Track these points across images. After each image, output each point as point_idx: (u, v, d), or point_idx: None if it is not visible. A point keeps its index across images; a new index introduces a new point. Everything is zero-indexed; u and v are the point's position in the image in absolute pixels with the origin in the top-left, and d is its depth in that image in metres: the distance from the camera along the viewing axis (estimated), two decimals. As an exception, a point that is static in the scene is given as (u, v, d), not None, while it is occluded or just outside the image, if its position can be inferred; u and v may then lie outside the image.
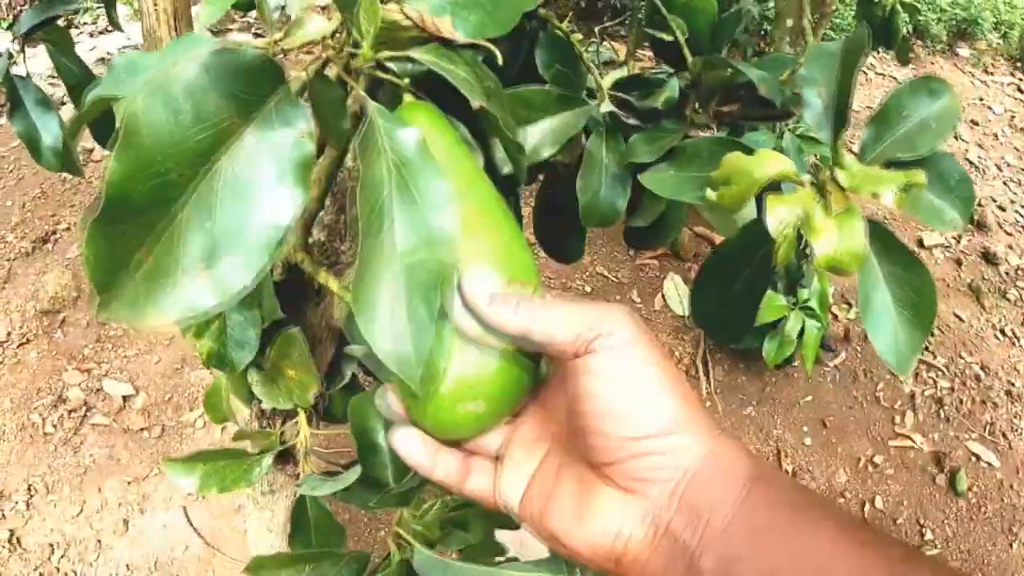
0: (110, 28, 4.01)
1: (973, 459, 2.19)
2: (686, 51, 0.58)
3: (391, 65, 0.43)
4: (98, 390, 2.27)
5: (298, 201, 0.35)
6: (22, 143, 1.11)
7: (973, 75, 3.97)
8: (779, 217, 0.41)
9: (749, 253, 0.45)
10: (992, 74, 4.00)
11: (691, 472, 0.37)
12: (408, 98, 0.43)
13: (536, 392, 0.44)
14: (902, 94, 0.49)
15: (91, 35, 4.11)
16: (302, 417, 0.59)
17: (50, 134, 1.09)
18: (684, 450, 0.37)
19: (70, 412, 2.22)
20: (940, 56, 4.03)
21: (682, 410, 0.38)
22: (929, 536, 2.00)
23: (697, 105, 0.58)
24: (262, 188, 0.35)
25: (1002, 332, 2.68)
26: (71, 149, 1.13)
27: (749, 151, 0.44)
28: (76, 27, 4.12)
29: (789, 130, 1.35)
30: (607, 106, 0.57)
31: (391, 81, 0.43)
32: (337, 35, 0.41)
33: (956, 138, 3.53)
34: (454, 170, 0.42)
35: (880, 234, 0.46)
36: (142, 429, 2.17)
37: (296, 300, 0.57)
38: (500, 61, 0.42)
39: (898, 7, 1.62)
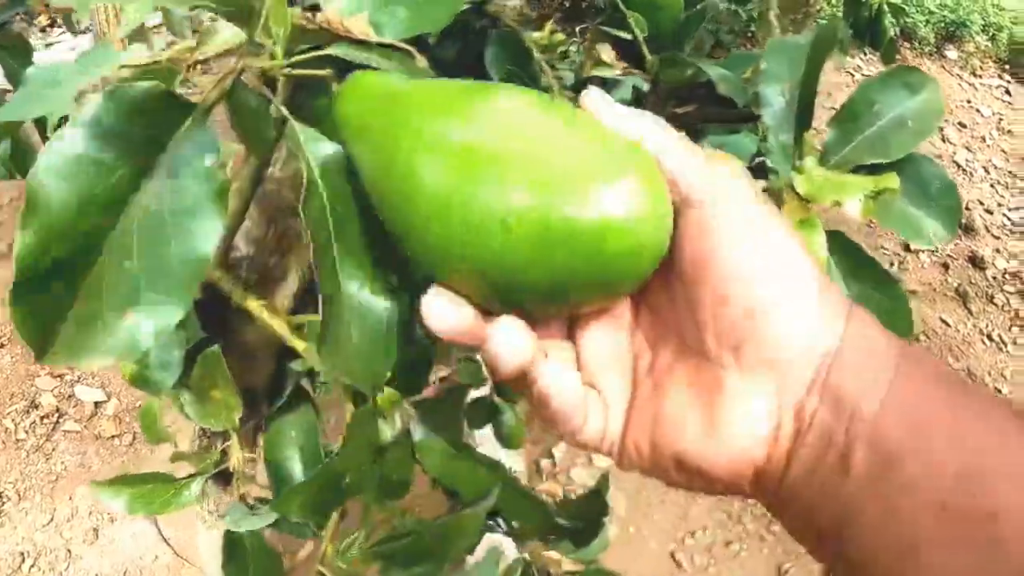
0: (90, 28, 3.96)
1: (959, 466, 2.17)
2: (644, 49, 0.54)
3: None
4: (70, 396, 2.24)
5: (217, 231, 0.35)
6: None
7: (961, 77, 3.96)
8: None
9: None
10: (980, 76, 3.99)
11: (833, 351, 0.30)
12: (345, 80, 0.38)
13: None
14: (871, 88, 0.43)
15: (73, 34, 4.06)
16: (234, 440, 0.56)
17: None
18: (825, 324, 0.31)
19: (42, 418, 2.19)
20: (928, 58, 4.02)
21: (819, 276, 0.31)
22: (914, 545, 1.97)
23: (657, 107, 0.55)
24: (179, 223, 0.35)
25: (989, 337, 2.66)
26: (27, 156, 1.10)
27: None
28: (58, 26, 4.08)
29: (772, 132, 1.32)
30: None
31: (314, 76, 0.40)
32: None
33: (943, 140, 3.52)
34: (463, 87, 0.35)
35: (846, 248, 0.41)
36: (113, 436, 2.14)
37: (227, 316, 0.54)
38: (422, 63, 0.38)
39: (884, 7, 1.59)
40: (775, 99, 0.41)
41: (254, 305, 0.42)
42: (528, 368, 0.33)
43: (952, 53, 4.07)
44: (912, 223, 0.43)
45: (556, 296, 0.32)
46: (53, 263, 0.34)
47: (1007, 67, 4.06)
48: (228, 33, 0.40)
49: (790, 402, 0.31)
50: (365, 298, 0.37)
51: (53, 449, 2.11)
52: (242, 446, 0.56)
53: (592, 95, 0.34)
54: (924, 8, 3.98)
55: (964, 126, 3.64)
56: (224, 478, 0.69)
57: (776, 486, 0.32)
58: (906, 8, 3.72)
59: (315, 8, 0.39)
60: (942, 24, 4.03)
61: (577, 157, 0.31)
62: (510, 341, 0.32)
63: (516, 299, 0.32)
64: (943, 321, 2.70)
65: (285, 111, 0.37)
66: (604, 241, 0.30)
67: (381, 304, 0.38)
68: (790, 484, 0.31)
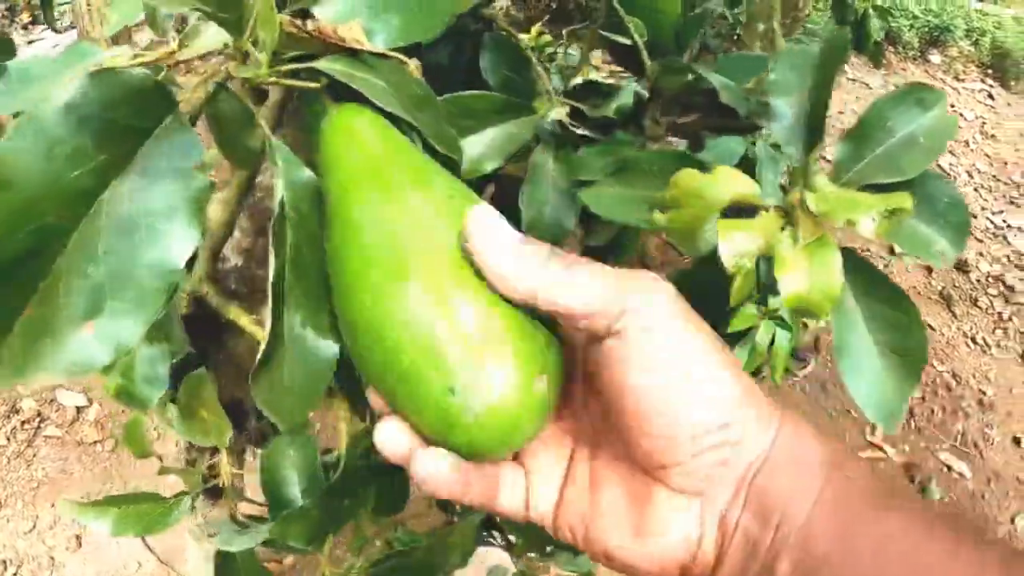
0: (75, 24, 3.92)
1: (945, 469, 2.18)
2: (644, 55, 0.53)
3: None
4: (51, 400, 2.20)
5: (193, 240, 0.32)
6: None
7: (944, 81, 4.00)
8: (735, 247, 0.35)
9: (703, 289, 0.39)
10: (963, 81, 4.03)
11: (759, 462, 0.32)
12: (334, 107, 0.38)
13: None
14: (885, 104, 0.43)
15: (56, 31, 4.01)
16: (223, 457, 0.54)
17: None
18: (750, 438, 0.32)
19: (23, 423, 2.15)
20: (911, 62, 4.06)
21: (740, 392, 0.32)
22: (901, 548, 1.98)
23: (657, 115, 0.54)
24: (151, 227, 0.32)
25: (973, 340, 2.68)
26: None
27: (705, 167, 0.39)
28: (40, 23, 4.03)
29: (762, 138, 1.32)
30: (556, 115, 0.53)
31: (303, 87, 0.38)
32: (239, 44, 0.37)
33: (928, 144, 3.55)
34: (416, 179, 0.36)
35: (858, 266, 0.40)
36: (95, 442, 2.10)
37: (216, 330, 0.52)
38: (417, 74, 0.37)
39: (870, 11, 1.61)
40: (785, 111, 0.40)
41: (246, 321, 0.41)
42: (407, 458, 0.35)
43: (936, 57, 4.11)
44: (921, 240, 0.42)
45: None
46: (14, 256, 0.30)
47: (990, 71, 4.10)
48: (212, 35, 0.37)
49: (715, 512, 0.32)
50: (307, 335, 0.36)
51: (34, 455, 2.08)
52: (231, 461, 0.54)
53: (475, 239, 0.33)
54: (908, 13, 4.02)
55: (948, 130, 3.67)
56: (212, 491, 0.68)
57: None
58: (891, 11, 3.75)
59: (305, 14, 0.37)
60: (926, 29, 4.07)
61: (469, 335, 0.32)
62: (386, 439, 0.35)
63: None
64: (928, 325, 2.72)
65: (267, 128, 0.35)
66: (471, 429, 0.32)
67: (320, 344, 0.36)
68: None
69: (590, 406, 0.37)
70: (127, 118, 0.32)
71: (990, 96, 3.97)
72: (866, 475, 0.32)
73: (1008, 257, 3.03)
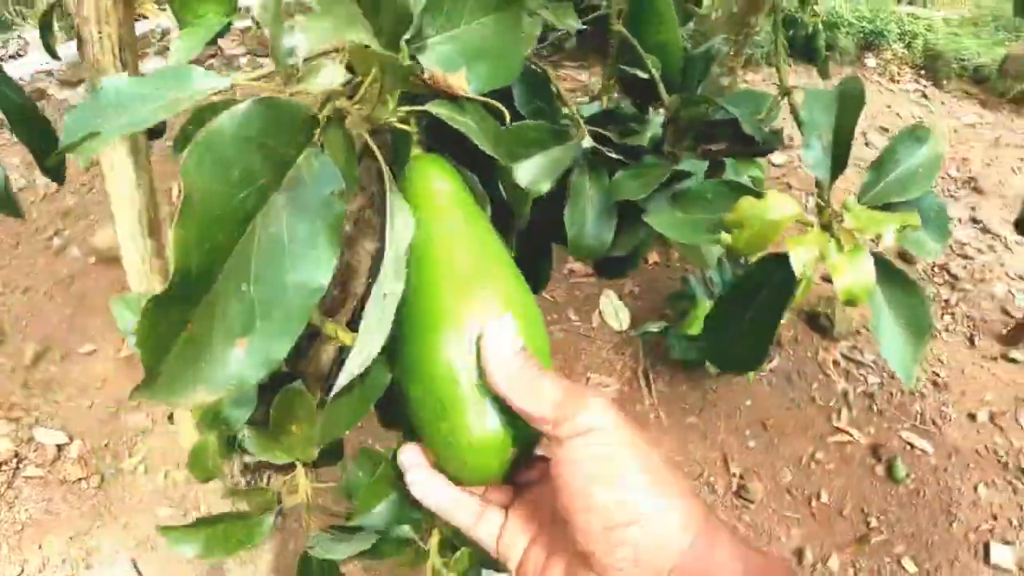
0: (21, 53, 3.85)
1: (908, 448, 2.30)
2: (661, 89, 0.60)
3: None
4: (29, 440, 2.15)
5: (332, 263, 0.34)
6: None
7: (880, 83, 4.18)
8: (800, 256, 0.43)
9: (760, 285, 0.48)
10: (898, 82, 4.21)
11: (679, 561, 0.36)
12: (416, 151, 0.44)
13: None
14: (897, 140, 0.53)
15: (1, 59, 3.94)
16: (300, 471, 0.58)
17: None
18: (670, 538, 0.36)
19: (0, 465, 2.09)
20: (849, 67, 4.22)
21: (664, 497, 0.36)
22: (875, 524, 2.08)
23: (672, 142, 0.60)
24: (296, 249, 0.34)
25: (924, 326, 2.82)
26: (8, 188, 1.07)
27: (757, 195, 0.46)
28: (-11, 55, 3.96)
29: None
30: (588, 141, 0.59)
31: (403, 130, 0.44)
32: (352, 84, 0.41)
33: (867, 145, 3.69)
34: (464, 223, 0.43)
35: (880, 263, 0.49)
36: (80, 479, 2.06)
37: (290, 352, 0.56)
38: (507, 120, 0.43)
39: (819, 27, 1.72)
40: (815, 144, 0.48)
41: (349, 338, 0.45)
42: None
43: (871, 61, 4.28)
44: (919, 242, 0.53)
45: None
46: (197, 271, 0.31)
47: (923, 72, 4.29)
48: (329, 75, 0.39)
49: None
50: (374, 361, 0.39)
51: (16, 497, 2.02)
52: (308, 476, 0.58)
53: (489, 347, 0.39)
54: (844, 20, 4.17)
55: (886, 130, 3.84)
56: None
57: None
58: (838, 24, 3.90)
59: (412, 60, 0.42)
60: (861, 35, 4.24)
61: (463, 407, 0.40)
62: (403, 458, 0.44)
63: None
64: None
65: (386, 169, 0.40)
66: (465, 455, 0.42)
67: (378, 370, 0.40)
68: None
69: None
70: (281, 145, 0.34)
71: (924, 96, 4.16)
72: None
73: (951, 247, 3.19)
